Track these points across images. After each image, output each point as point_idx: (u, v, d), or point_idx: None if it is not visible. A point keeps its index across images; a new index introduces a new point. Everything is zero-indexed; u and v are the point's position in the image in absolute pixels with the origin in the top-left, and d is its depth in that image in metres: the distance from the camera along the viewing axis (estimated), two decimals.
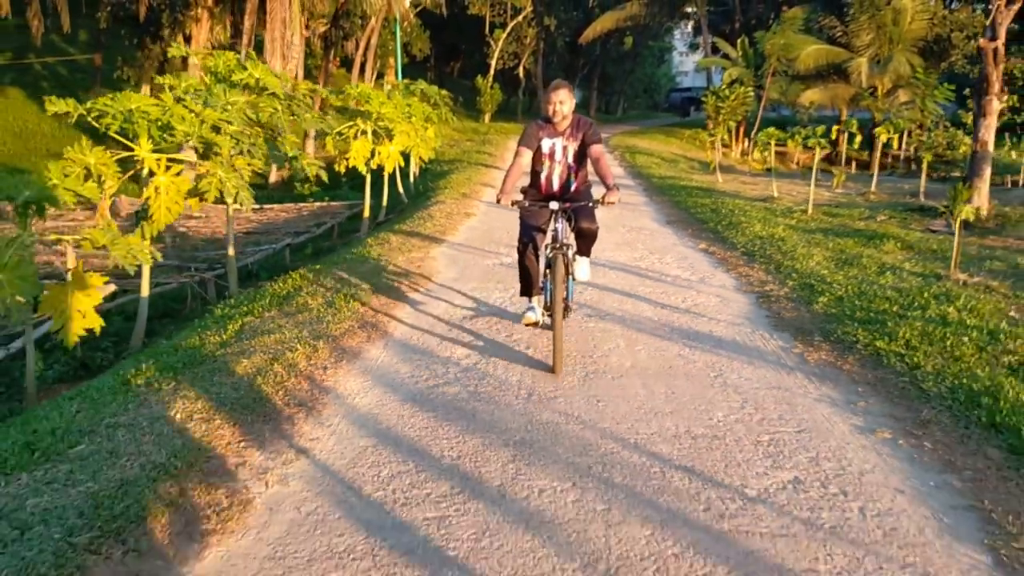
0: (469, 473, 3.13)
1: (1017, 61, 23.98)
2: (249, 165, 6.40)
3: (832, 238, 8.37)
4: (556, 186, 4.73)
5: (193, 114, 6.12)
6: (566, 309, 4.62)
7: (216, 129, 6.33)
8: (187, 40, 19.20)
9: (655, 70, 63.52)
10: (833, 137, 17.25)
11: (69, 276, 4.76)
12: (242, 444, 3.35)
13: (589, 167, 4.76)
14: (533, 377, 4.29)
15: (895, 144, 25.47)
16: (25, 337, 4.83)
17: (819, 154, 12.95)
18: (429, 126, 12.83)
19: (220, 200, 6.50)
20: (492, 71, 33.26)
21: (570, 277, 4.69)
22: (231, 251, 7.34)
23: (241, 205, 6.19)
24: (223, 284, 7.83)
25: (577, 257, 4.82)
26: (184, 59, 19.48)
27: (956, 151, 17.84)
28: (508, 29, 32.98)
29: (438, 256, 7.44)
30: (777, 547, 2.59)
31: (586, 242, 4.75)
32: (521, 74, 35.82)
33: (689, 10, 34.90)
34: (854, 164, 25.84)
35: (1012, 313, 5.47)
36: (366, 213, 10.70)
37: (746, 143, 28.22)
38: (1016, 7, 9.56)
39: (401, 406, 3.87)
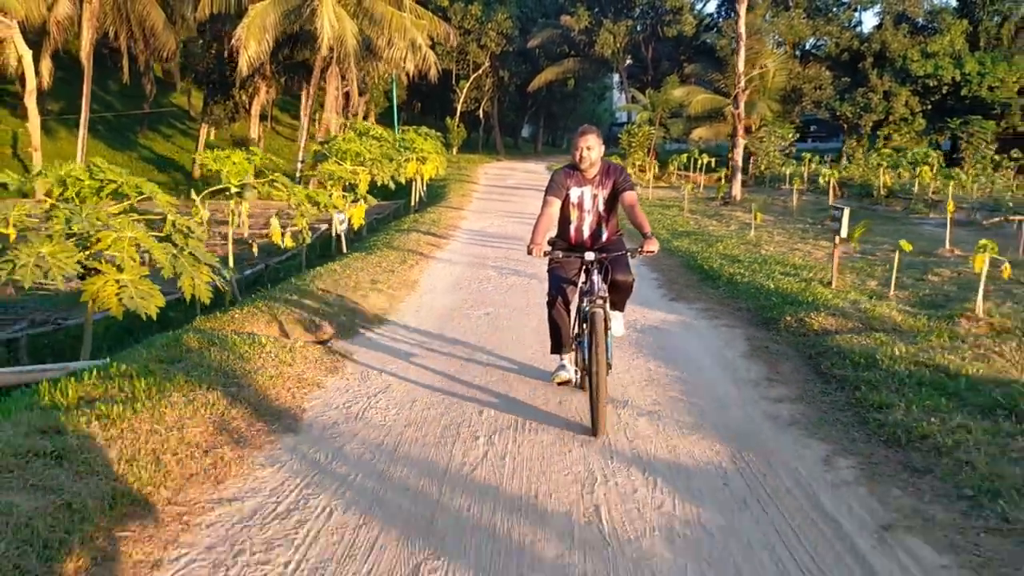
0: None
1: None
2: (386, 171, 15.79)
3: (650, 207, 18.06)
4: (587, 236, 4.71)
5: (368, 149, 15.47)
6: (608, 367, 4.36)
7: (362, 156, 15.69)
8: (250, 98, 28.39)
9: (596, 107, 74.39)
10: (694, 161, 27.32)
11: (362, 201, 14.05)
12: (424, 243, 12.72)
13: (620, 213, 4.77)
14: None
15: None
16: (335, 224, 14.08)
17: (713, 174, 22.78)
18: (438, 155, 22.29)
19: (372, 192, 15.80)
20: (458, 113, 43.06)
21: (608, 332, 4.42)
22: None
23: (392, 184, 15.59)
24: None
25: (612, 312, 4.66)
26: (247, 110, 28.68)
27: (778, 168, 28.04)
28: (471, 80, 42.90)
29: (466, 214, 16.87)
30: None
31: (621, 295, 4.69)
32: (481, 115, 45.74)
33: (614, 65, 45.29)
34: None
35: (691, 223, 15.15)
36: (412, 203, 20.07)
37: (656, 168, 38.43)
38: (749, 89, 19.51)
39: (467, 243, 13.27)
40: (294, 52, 26.56)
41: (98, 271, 5.78)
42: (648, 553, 3.05)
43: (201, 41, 27.20)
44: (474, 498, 3.51)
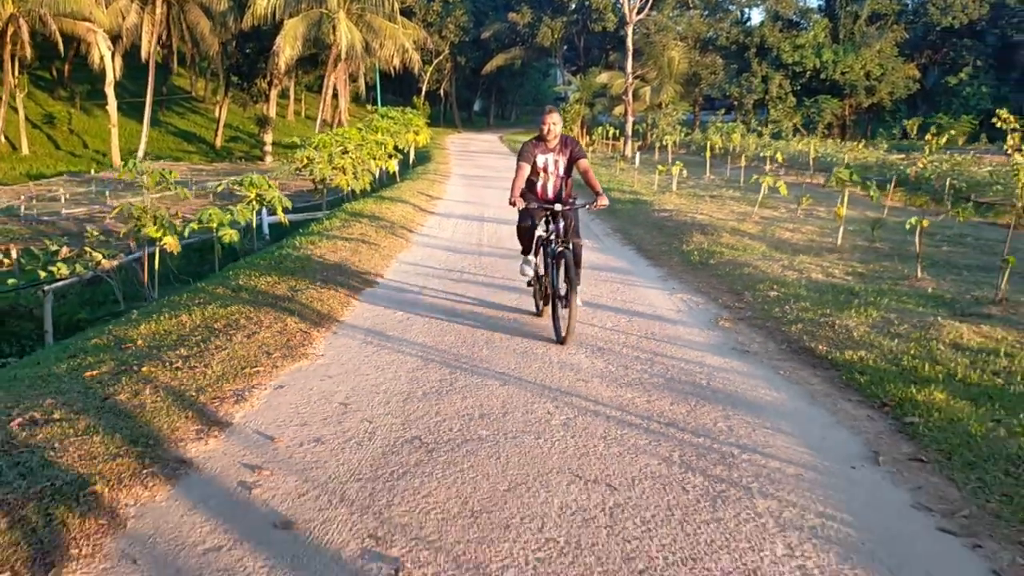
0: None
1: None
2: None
3: None
4: (551, 193, 6.21)
5: (388, 127, 25.61)
6: (572, 289, 5.69)
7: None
8: (269, 84, 38.04)
9: (541, 83, 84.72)
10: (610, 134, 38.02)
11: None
12: (437, 178, 23.09)
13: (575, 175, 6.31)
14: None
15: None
16: (392, 167, 24.33)
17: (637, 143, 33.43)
18: (426, 130, 32.44)
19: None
20: (423, 93, 53.02)
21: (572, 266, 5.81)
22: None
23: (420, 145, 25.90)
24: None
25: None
26: (266, 96, 38.29)
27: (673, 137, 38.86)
28: (433, 65, 52.87)
29: (451, 167, 27.19)
30: None
31: (576, 261, 5.95)
32: (442, 94, 55.77)
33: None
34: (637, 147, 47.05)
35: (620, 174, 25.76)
36: (411, 162, 30.22)
37: (588, 138, 49.07)
38: (634, 86, 30.04)
39: (460, 177, 23.69)
40: (313, 52, 36.21)
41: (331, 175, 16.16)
42: None
43: (235, 43, 36.69)
44: (493, 217, 14.02)
